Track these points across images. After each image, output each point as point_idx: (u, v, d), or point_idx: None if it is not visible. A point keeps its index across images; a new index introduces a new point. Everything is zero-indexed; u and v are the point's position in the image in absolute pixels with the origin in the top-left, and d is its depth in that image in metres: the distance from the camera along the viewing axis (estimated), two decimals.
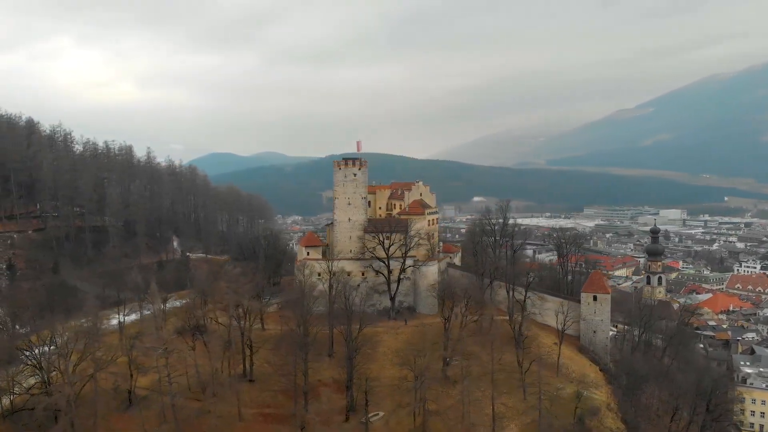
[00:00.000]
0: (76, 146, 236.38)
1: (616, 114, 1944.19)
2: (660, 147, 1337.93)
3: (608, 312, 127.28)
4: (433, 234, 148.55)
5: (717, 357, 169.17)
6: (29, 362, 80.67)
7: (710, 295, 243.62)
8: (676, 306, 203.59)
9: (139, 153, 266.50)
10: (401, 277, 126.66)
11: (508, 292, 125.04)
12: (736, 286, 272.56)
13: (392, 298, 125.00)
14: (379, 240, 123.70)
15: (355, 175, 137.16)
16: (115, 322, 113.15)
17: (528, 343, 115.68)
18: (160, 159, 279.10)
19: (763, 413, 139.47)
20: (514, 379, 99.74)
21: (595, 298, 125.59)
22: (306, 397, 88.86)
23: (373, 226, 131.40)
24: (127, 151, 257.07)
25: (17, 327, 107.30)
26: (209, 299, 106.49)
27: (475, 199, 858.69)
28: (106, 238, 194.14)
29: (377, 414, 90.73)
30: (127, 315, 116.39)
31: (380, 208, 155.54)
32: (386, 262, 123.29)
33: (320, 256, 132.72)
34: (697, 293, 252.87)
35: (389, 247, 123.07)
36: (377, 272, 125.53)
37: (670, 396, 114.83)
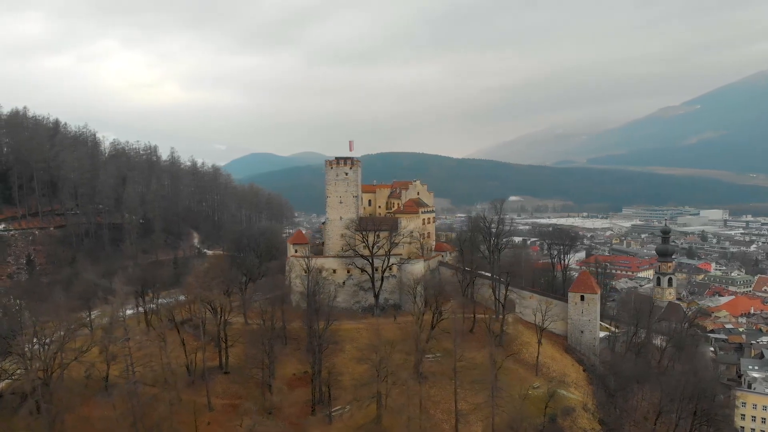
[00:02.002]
0: (101, 146, 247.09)
1: (661, 111, 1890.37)
2: (706, 145, 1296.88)
3: (596, 312, 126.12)
4: (429, 232, 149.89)
5: (725, 361, 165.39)
6: (11, 350, 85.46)
7: (732, 297, 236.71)
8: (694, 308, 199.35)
9: (179, 154, 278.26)
10: (385, 274, 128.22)
11: (494, 290, 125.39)
12: (763, 289, 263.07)
13: (376, 296, 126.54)
14: (362, 237, 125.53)
15: (346, 174, 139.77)
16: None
17: (509, 341, 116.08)
18: (185, 159, 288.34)
19: (764, 419, 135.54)
20: (487, 377, 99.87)
21: (582, 298, 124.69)
22: (270, 390, 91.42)
23: (359, 224, 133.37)
24: (152, 151, 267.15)
25: (34, 318, 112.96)
26: (185, 295, 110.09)
27: (511, 198, 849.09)
28: (125, 234, 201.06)
29: (341, 408, 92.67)
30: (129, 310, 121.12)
31: (380, 206, 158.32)
32: (370, 260, 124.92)
33: (306, 254, 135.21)
34: (720, 296, 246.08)
35: (373, 244, 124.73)
36: (362, 270, 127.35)
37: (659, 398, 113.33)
